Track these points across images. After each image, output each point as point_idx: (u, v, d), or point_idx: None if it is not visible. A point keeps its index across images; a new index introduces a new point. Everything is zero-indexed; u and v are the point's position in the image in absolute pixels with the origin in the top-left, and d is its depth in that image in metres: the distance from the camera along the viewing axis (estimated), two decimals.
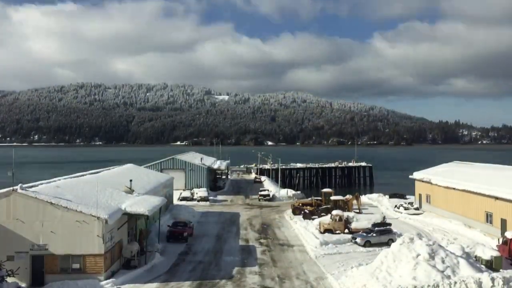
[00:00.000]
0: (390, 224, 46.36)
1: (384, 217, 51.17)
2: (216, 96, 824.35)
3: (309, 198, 64.13)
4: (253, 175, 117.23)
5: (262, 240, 44.66)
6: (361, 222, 47.30)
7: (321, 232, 45.87)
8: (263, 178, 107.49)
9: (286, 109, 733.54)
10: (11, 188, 30.25)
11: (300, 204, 59.79)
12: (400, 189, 79.70)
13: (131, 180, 41.96)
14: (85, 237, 30.08)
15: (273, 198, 74.87)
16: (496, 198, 44.26)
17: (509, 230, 38.41)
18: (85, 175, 44.67)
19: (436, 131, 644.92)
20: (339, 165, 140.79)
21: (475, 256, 32.05)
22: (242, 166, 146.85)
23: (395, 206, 63.01)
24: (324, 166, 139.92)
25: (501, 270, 29.64)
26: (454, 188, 53.15)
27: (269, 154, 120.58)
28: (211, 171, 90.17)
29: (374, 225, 45.13)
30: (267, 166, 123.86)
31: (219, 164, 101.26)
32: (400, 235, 37.87)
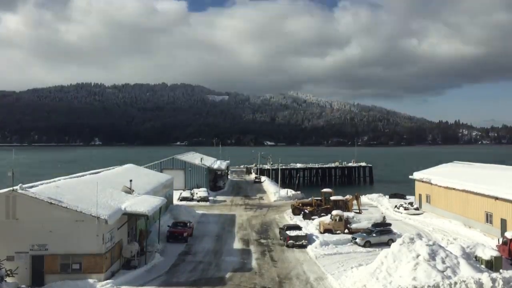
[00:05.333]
0: (390, 224, 46.37)
1: (384, 217, 51.16)
2: (216, 96, 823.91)
3: (309, 198, 64.07)
4: (253, 175, 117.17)
5: (262, 240, 44.66)
6: (361, 222, 47.29)
7: (321, 232, 45.89)
8: (263, 178, 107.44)
9: (286, 109, 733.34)
10: (11, 188, 30.24)
11: (300, 204, 59.78)
12: (400, 189, 79.73)
13: (131, 180, 41.95)
14: (85, 237, 30.04)
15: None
16: (496, 198, 44.26)
17: (509, 230, 38.44)
18: (85, 175, 44.68)
19: (436, 131, 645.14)
20: (339, 165, 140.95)
21: (475, 257, 32.02)
22: (242, 166, 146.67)
23: (395, 206, 63.01)
24: (324, 166, 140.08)
25: (501, 270, 29.60)
26: (454, 188, 53.15)
27: (269, 154, 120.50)
28: (211, 171, 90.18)
29: (374, 225, 45.14)
30: (267, 166, 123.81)
31: (219, 164, 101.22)
32: (400, 235, 37.86)
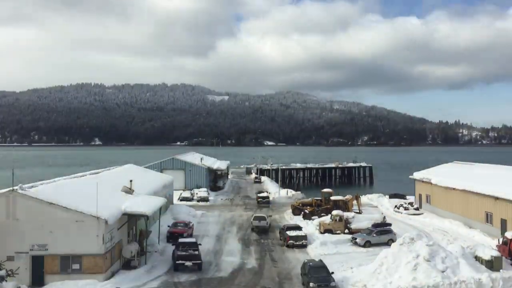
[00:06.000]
0: (390, 224, 46.39)
1: (384, 218, 51.15)
2: (216, 96, 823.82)
3: (309, 198, 64.03)
4: (253, 176, 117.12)
5: (262, 240, 44.66)
6: (361, 222, 47.28)
7: (321, 232, 45.88)
8: (263, 178, 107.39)
9: (286, 109, 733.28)
10: (11, 188, 30.24)
11: (300, 204, 59.76)
12: (400, 189, 79.63)
13: (131, 180, 41.97)
14: (85, 237, 30.07)
15: (272, 202, 70.38)
16: (496, 198, 44.26)
17: (509, 230, 38.44)
18: (85, 175, 44.68)
19: (436, 131, 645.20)
20: (339, 165, 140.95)
21: (475, 257, 32.02)
22: (242, 166, 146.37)
23: (395, 206, 62.98)
24: (324, 166, 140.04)
25: (501, 270, 29.62)
26: (454, 188, 53.14)
27: (270, 156, 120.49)
28: (211, 172, 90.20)
29: (374, 225, 45.12)
30: (266, 166, 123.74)
31: (219, 164, 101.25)
32: (400, 235, 37.85)
